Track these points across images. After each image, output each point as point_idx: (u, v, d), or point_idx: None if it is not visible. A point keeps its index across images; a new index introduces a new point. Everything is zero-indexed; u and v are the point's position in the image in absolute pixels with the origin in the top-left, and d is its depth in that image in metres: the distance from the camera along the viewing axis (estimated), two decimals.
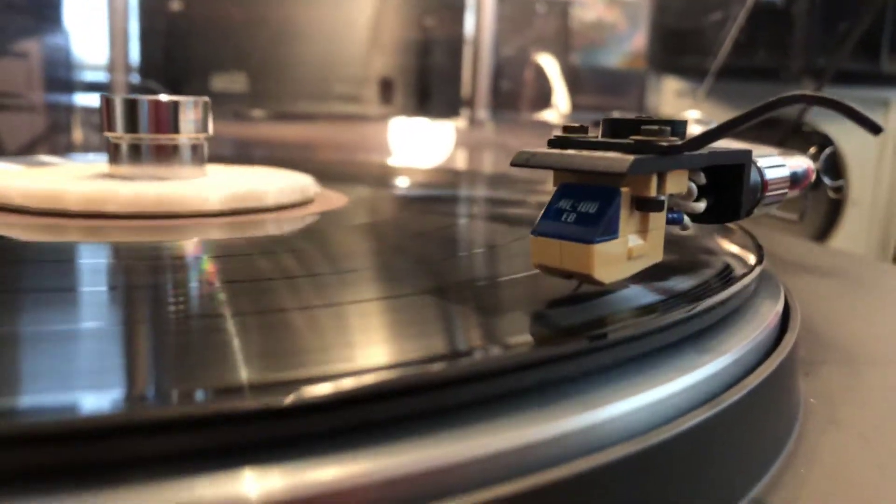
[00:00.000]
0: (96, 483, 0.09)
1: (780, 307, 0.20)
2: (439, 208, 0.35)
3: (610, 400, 0.13)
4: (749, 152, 0.19)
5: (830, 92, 0.15)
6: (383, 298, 0.17)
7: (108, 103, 0.27)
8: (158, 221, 0.24)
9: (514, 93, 1.18)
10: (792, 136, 0.47)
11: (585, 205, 0.16)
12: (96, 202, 0.24)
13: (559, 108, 1.15)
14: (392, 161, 0.88)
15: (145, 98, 0.27)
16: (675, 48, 0.96)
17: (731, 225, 0.28)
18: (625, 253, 0.16)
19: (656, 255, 0.17)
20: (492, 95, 1.11)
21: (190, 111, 0.28)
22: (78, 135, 0.86)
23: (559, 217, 0.16)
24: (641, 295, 0.17)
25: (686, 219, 0.19)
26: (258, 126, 0.96)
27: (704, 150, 0.17)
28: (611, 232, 0.15)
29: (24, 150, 0.80)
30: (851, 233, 1.04)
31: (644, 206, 0.16)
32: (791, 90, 0.15)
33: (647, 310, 0.16)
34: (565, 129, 0.17)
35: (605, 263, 0.15)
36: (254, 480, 0.09)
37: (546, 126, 1.09)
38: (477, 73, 1.09)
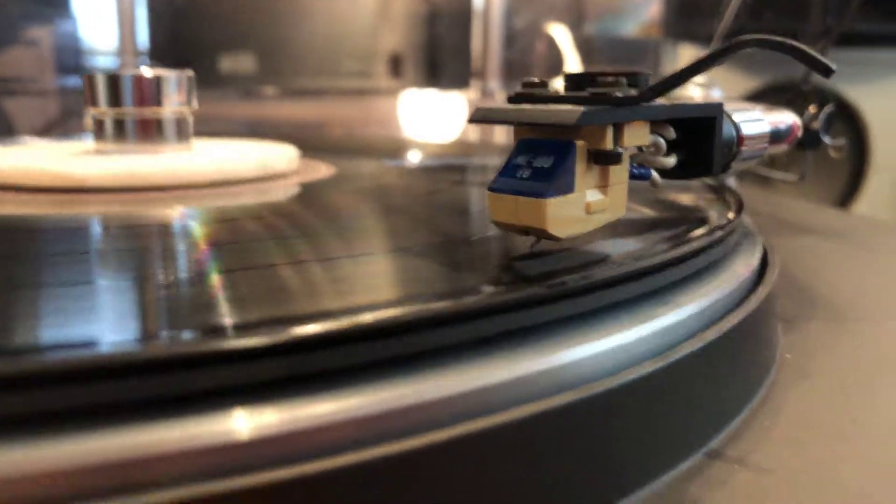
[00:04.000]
0: (90, 424, 0.09)
1: (754, 262, 0.19)
2: (429, 175, 0.35)
3: (561, 348, 0.13)
4: (719, 105, 0.19)
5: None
6: (350, 256, 0.17)
7: (90, 81, 0.27)
8: (133, 195, 0.25)
9: (526, 63, 1.17)
10: (804, 100, 0.46)
11: (541, 160, 0.15)
12: (69, 178, 0.25)
13: None
14: (399, 134, 0.88)
15: (128, 73, 0.27)
16: (691, 15, 0.94)
17: (712, 181, 0.27)
18: (582, 208, 0.16)
19: (618, 210, 0.17)
20: (503, 66, 1.10)
21: (173, 85, 0.28)
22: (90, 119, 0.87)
23: (515, 173, 0.16)
24: (603, 248, 0.17)
25: (654, 174, 0.18)
26: (267, 104, 0.96)
27: (668, 103, 0.16)
28: (566, 186, 0.15)
29: (39, 135, 0.81)
30: (874, 199, 1.02)
31: (601, 159, 0.16)
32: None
33: (605, 262, 0.16)
34: (525, 84, 0.17)
35: (561, 219, 0.15)
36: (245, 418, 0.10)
37: None
38: (487, 44, 1.08)
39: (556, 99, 0.16)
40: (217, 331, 0.11)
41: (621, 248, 0.17)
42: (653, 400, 0.13)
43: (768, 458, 0.14)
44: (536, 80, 0.17)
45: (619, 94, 0.15)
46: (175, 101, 0.28)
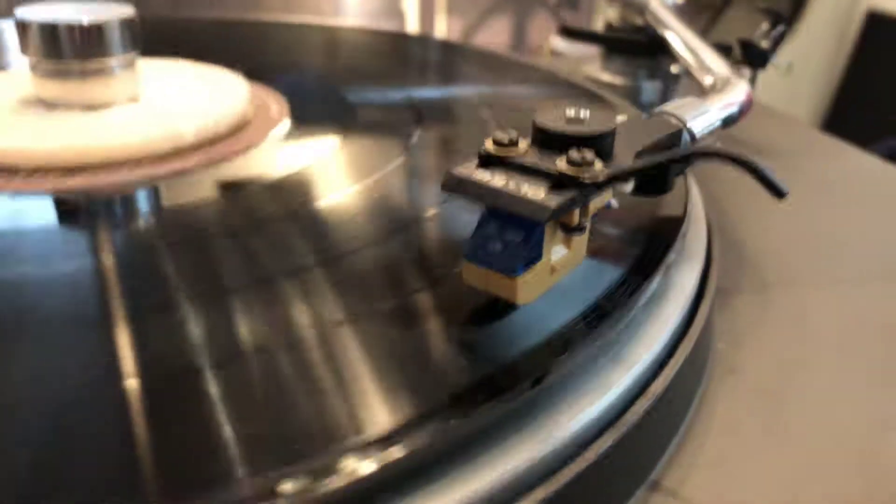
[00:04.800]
0: None
1: (684, 305, 0.20)
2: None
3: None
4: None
5: None
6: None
7: (23, 28, 0.26)
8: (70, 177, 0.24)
9: None
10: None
11: (511, 232, 0.16)
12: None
13: None
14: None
15: (63, 21, 0.26)
16: None
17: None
18: (548, 270, 0.17)
19: (579, 259, 0.18)
20: None
21: (114, 31, 0.27)
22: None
23: (487, 244, 0.17)
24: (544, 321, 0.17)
25: (613, 202, 0.20)
26: None
27: (631, 165, 0.17)
28: (534, 259, 0.16)
29: None
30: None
31: (568, 231, 0.17)
32: None
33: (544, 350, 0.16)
34: (496, 142, 0.17)
35: (528, 288, 0.17)
36: None
37: None
38: None
39: (527, 169, 0.17)
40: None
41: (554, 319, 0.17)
42: (610, 459, 0.16)
43: (698, 487, 0.17)
44: (506, 139, 0.17)
45: (587, 181, 0.16)
46: (119, 47, 0.27)
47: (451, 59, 0.47)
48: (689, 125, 0.22)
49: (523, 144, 0.17)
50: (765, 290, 0.26)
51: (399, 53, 0.47)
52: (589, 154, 0.16)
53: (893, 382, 0.21)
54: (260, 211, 0.23)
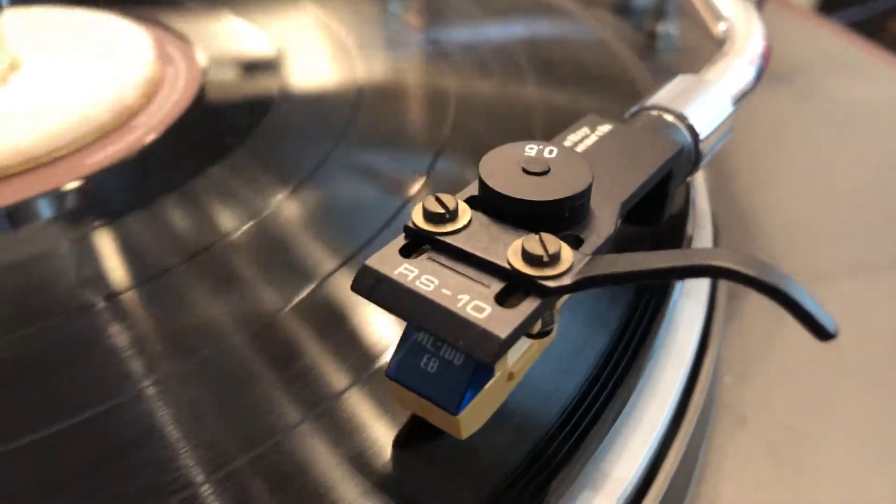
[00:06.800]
0: None
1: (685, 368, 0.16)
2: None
3: None
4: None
5: None
6: None
7: None
8: None
9: None
10: None
11: (450, 348, 0.12)
12: None
13: None
14: None
15: None
16: None
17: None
18: (504, 379, 0.13)
19: (547, 341, 0.14)
20: None
21: None
22: None
23: (419, 360, 0.12)
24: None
25: None
26: None
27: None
28: (483, 380, 0.12)
29: None
30: None
31: (532, 337, 0.13)
32: None
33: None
34: (425, 214, 0.12)
35: (477, 416, 0.13)
36: None
37: None
38: None
39: (469, 257, 0.12)
40: None
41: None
42: None
43: None
44: (440, 210, 0.12)
45: (548, 284, 0.11)
46: None
47: None
48: (689, 121, 0.17)
49: (465, 214, 0.13)
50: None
51: None
52: (553, 244, 0.12)
53: None
54: None
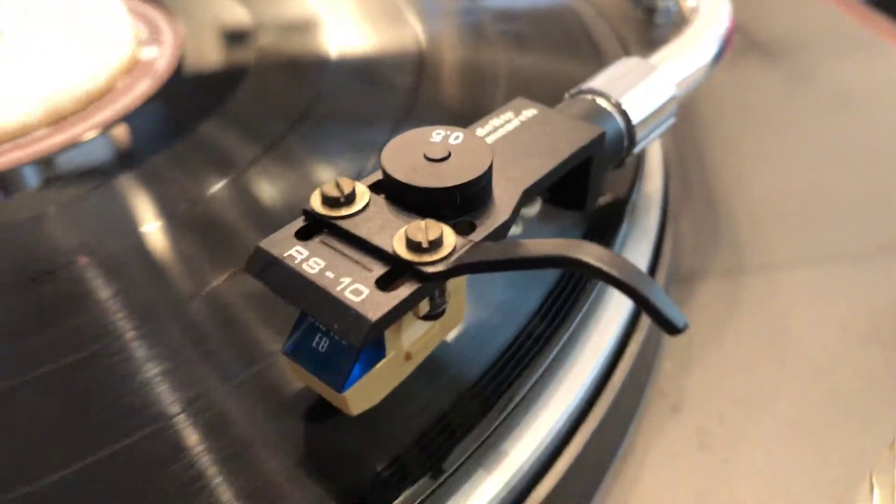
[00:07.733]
0: None
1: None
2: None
3: None
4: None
5: None
6: None
7: None
8: None
9: None
10: None
11: None
12: None
13: None
14: None
15: None
16: None
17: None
18: (400, 360, 0.13)
19: (454, 323, 0.14)
20: None
21: None
22: None
23: (312, 339, 0.13)
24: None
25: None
26: None
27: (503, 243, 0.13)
28: (373, 359, 0.13)
29: None
30: None
31: (422, 318, 0.13)
32: None
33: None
34: (323, 198, 0.13)
35: (367, 393, 0.13)
36: None
37: None
38: None
39: (360, 242, 0.12)
40: None
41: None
42: None
43: None
44: (338, 194, 0.13)
45: (427, 270, 0.12)
46: None
47: None
48: (623, 106, 0.17)
49: (363, 198, 0.13)
50: (738, 274, 0.21)
51: None
52: (434, 231, 0.12)
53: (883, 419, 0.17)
54: None
